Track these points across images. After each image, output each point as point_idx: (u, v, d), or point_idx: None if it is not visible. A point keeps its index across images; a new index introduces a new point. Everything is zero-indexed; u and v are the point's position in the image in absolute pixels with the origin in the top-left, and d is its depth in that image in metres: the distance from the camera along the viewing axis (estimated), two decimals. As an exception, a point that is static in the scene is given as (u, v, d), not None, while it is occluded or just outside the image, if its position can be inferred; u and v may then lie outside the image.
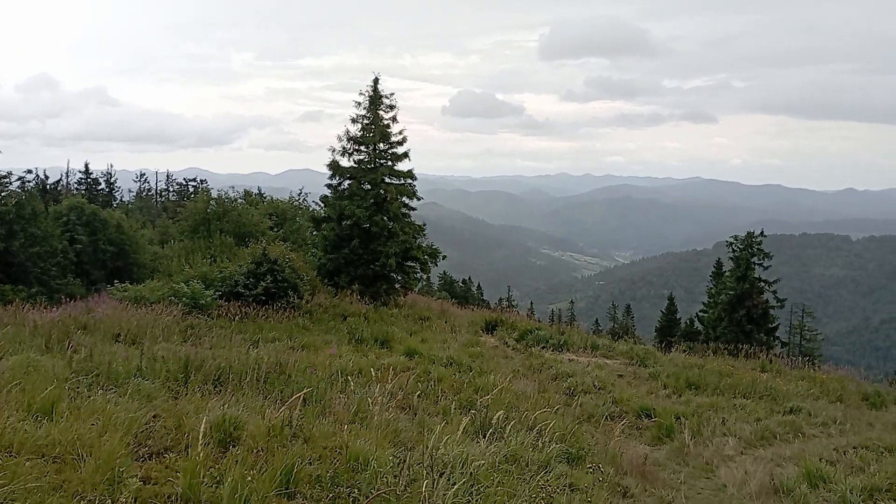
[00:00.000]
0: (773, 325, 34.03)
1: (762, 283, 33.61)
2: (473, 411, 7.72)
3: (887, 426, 11.12)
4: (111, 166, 59.47)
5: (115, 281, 19.72)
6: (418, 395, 9.17)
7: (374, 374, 9.37)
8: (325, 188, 26.08)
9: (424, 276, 33.88)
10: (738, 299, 33.03)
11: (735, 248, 34.18)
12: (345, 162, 25.33)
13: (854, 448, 9.00)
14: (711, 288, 40.75)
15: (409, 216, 26.16)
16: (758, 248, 33.63)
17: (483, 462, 5.31)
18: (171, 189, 65.54)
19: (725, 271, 38.05)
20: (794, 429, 10.43)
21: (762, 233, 34.59)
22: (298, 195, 39.65)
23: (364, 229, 24.78)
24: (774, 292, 34.09)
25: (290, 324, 17.00)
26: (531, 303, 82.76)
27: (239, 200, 31.76)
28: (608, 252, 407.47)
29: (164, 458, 5.19)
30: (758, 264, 33.69)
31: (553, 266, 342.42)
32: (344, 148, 25.14)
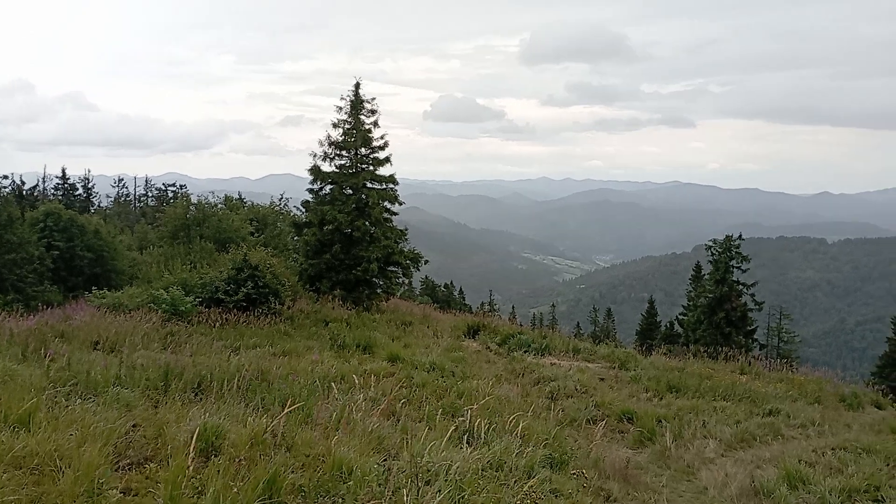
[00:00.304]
0: (752, 327, 34.40)
1: (740, 286, 33.98)
2: (457, 417, 7.71)
3: (864, 427, 11.28)
4: (88, 171, 58.81)
5: (93, 288, 19.48)
6: (401, 401, 9.14)
7: (356, 380, 9.33)
8: (307, 193, 25.99)
9: (406, 281, 33.83)
10: (717, 302, 33.35)
11: (714, 252, 34.52)
12: (326, 167, 25.27)
13: (832, 449, 9.11)
14: (691, 291, 41.12)
15: (391, 221, 26.12)
16: (736, 252, 33.99)
17: (467, 469, 5.31)
18: (149, 194, 64.88)
19: (704, 274, 38.40)
20: (774, 431, 10.54)
21: (740, 236, 34.97)
22: (279, 200, 39.42)
23: (346, 234, 24.70)
24: (752, 295, 34.48)
25: (271, 330, 16.88)
26: (513, 307, 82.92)
27: (219, 206, 31.51)
28: (589, 256, 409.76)
29: (145, 468, 5.13)
30: (736, 267, 34.05)
31: (534, 270, 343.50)
32: (325, 153, 25.07)
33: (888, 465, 8.39)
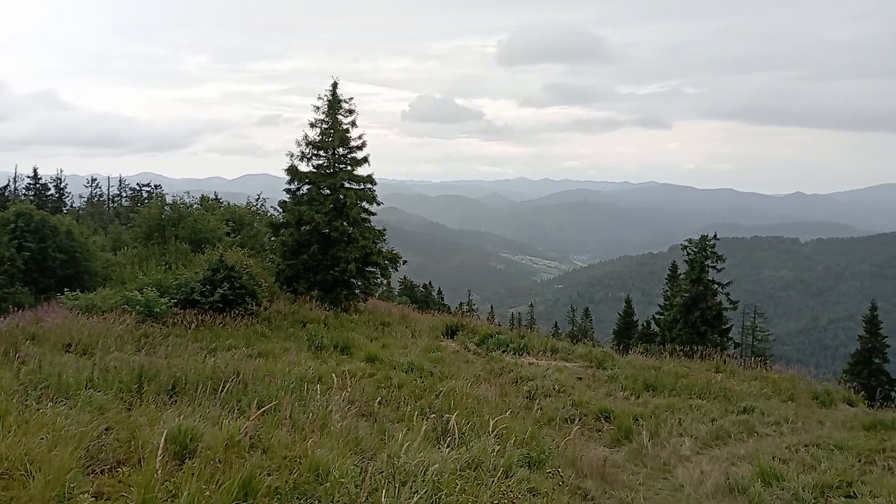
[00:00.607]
0: (727, 326, 34.82)
1: (716, 286, 34.36)
2: (435, 417, 7.70)
3: (837, 424, 11.47)
4: (61, 171, 57.81)
5: (66, 289, 19.17)
6: (379, 402, 9.10)
7: (334, 381, 9.28)
8: (284, 193, 25.82)
9: (385, 282, 33.74)
10: (693, 301, 33.71)
11: (689, 252, 34.87)
12: (303, 167, 25.12)
13: (805, 446, 9.24)
14: (667, 290, 41.58)
15: (369, 221, 26.04)
16: (711, 251, 34.37)
17: (445, 469, 5.29)
18: (123, 195, 64.00)
19: (680, 274, 38.80)
20: (748, 428, 10.67)
21: (715, 236, 35.37)
22: (256, 200, 39.11)
23: (323, 235, 24.57)
24: (727, 294, 34.88)
25: (248, 331, 16.73)
26: (491, 307, 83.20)
27: (195, 206, 31.17)
28: (566, 256, 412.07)
29: (117, 472, 5.05)
30: (711, 267, 34.43)
31: (513, 270, 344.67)
32: (303, 153, 24.93)
33: (860, 461, 8.53)
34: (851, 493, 7.18)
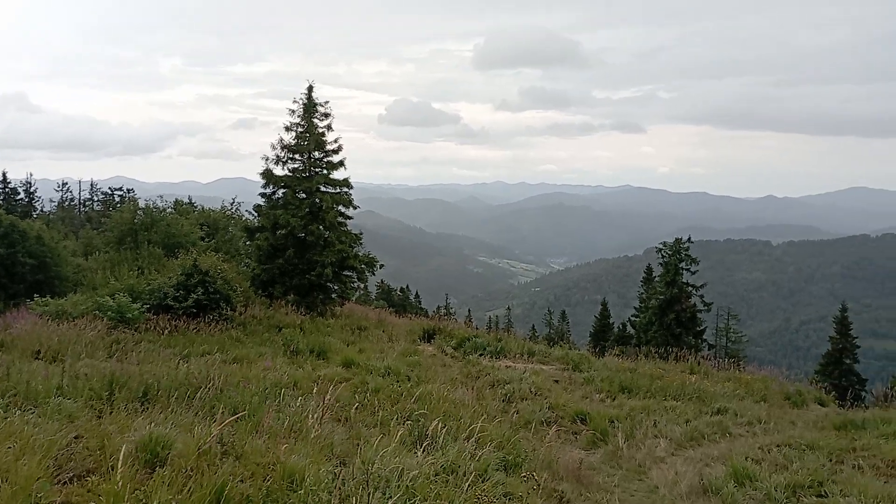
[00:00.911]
0: (701, 328, 35.22)
1: (690, 288, 34.76)
2: (411, 422, 7.67)
3: (808, 424, 11.64)
4: (31, 175, 56.79)
5: (35, 295, 18.81)
6: (355, 407, 9.05)
7: (310, 386, 9.21)
8: (259, 197, 25.62)
9: (362, 286, 33.62)
10: (668, 303, 34.05)
11: (664, 254, 35.23)
12: (279, 170, 24.97)
13: (778, 446, 9.36)
14: (642, 293, 41.96)
15: (346, 225, 25.94)
16: (685, 254, 34.76)
17: (420, 474, 5.27)
18: (95, 199, 63.02)
19: (655, 276, 39.22)
20: (722, 429, 10.78)
21: (689, 239, 35.75)
22: (231, 204, 38.72)
23: (299, 239, 24.43)
24: (701, 296, 35.30)
25: (222, 336, 16.57)
26: (469, 310, 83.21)
27: (168, 210, 30.79)
28: (543, 259, 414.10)
29: (86, 481, 4.96)
30: (685, 269, 34.82)
31: (490, 273, 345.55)
32: (278, 156, 24.78)
33: (831, 460, 8.66)
34: (822, 493, 7.28)
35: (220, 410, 7.27)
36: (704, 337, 35.94)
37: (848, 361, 34.92)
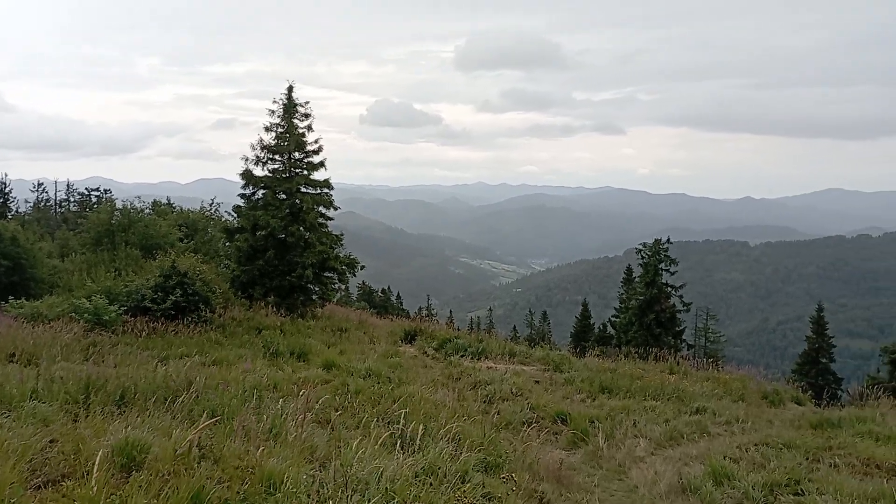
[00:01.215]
0: (680, 328, 35.50)
1: (669, 289, 35.01)
2: (392, 424, 7.65)
3: (785, 423, 11.78)
4: (6, 175, 55.85)
5: (10, 297, 18.52)
6: (336, 409, 9.01)
7: (290, 388, 9.15)
8: (239, 198, 25.40)
9: (342, 287, 33.50)
10: (648, 304, 34.29)
11: (644, 255, 35.45)
12: (259, 171, 24.79)
13: (755, 445, 9.45)
14: (622, 293, 42.18)
15: (327, 226, 25.82)
16: (665, 255, 35.01)
17: (399, 476, 5.26)
18: (71, 199, 62.14)
19: (635, 277, 39.44)
20: (701, 428, 10.88)
21: (668, 240, 36.00)
22: (210, 205, 38.38)
23: (279, 240, 24.27)
24: (681, 297, 35.56)
25: (201, 339, 16.40)
26: (450, 311, 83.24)
27: (146, 211, 30.45)
28: (525, 260, 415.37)
29: (61, 486, 4.88)
30: (665, 270, 35.06)
31: (472, 274, 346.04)
32: (258, 157, 24.61)
33: (807, 459, 8.76)
34: (799, 491, 7.37)
35: (200, 414, 7.20)
36: (684, 337, 36.24)
37: (824, 360, 35.39)
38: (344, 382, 11.51)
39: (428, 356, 17.71)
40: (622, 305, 40.38)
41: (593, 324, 48.82)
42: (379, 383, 11.96)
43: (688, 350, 35.67)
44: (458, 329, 28.94)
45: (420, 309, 64.64)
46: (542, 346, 22.45)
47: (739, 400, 14.03)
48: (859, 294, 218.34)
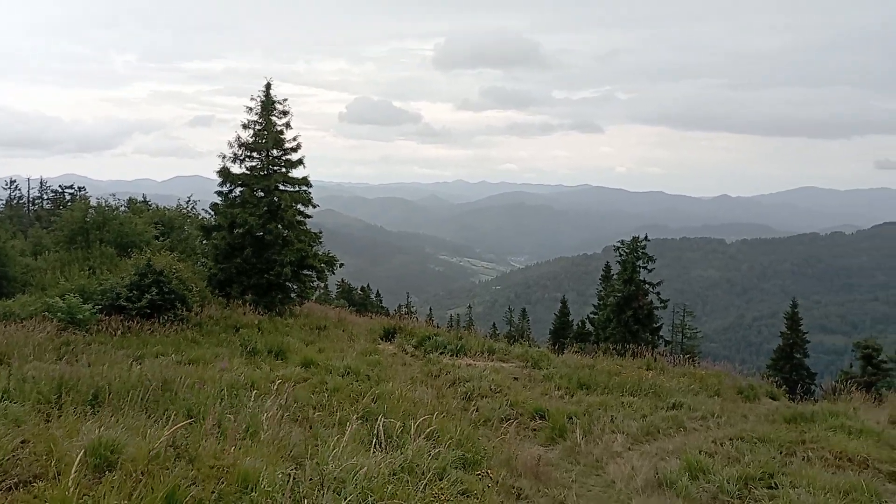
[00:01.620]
0: (658, 324, 35.78)
1: (647, 285, 35.26)
2: (370, 421, 7.63)
3: (760, 418, 11.93)
4: (-22, 173, 54.79)
5: (-19, 296, 18.20)
6: (314, 408, 8.97)
7: (268, 387, 9.09)
8: (216, 196, 25.22)
9: (321, 285, 33.34)
10: (625, 301, 34.52)
11: (622, 252, 35.67)
12: (236, 168, 24.63)
13: (730, 439, 9.56)
14: (601, 290, 42.46)
15: (305, 224, 25.73)
16: (642, 252, 35.25)
17: (377, 473, 5.24)
18: (45, 197, 61.13)
19: (613, 274, 39.70)
20: (677, 423, 10.97)
21: (646, 237, 36.25)
22: (187, 203, 37.98)
23: (257, 238, 24.13)
24: (658, 293, 35.83)
25: (178, 337, 16.26)
26: (430, 309, 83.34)
27: (121, 208, 30.06)
28: (504, 257, 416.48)
29: (33, 486, 4.81)
30: (642, 267, 35.30)
31: (451, 272, 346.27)
32: (235, 154, 24.44)
33: (781, 453, 8.88)
34: (773, 484, 7.46)
35: (176, 413, 7.13)
36: (661, 333, 36.52)
37: (798, 356, 35.87)
38: (322, 380, 11.47)
39: (407, 354, 17.70)
40: (601, 302, 40.64)
41: (572, 321, 49.07)
42: (357, 381, 11.94)
43: (665, 346, 35.96)
44: (438, 326, 28.96)
45: (400, 307, 64.53)
46: (521, 343, 22.52)
47: (715, 395, 14.18)
48: (833, 290, 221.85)
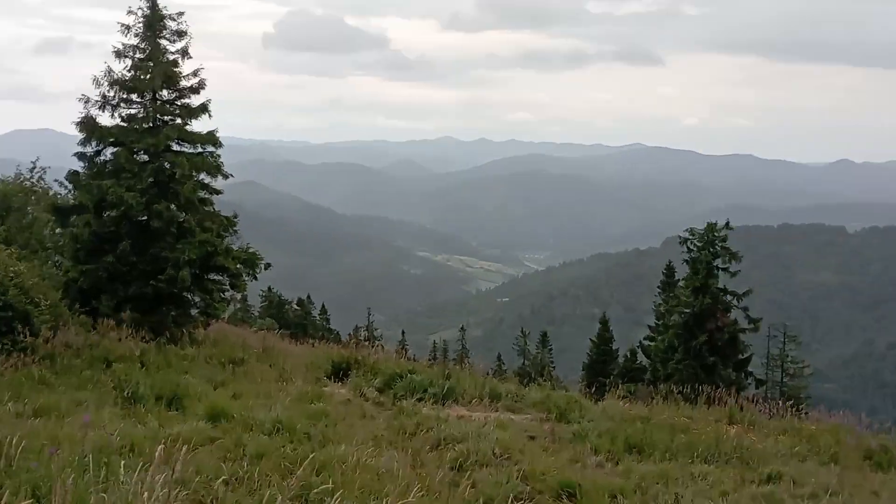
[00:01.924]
0: (745, 355, 35.99)
1: (728, 297, 35.40)
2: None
3: (897, 494, 12.04)
4: None
5: None
6: (226, 483, 8.95)
7: (154, 450, 9.04)
8: (76, 160, 25.14)
9: (238, 296, 33.33)
10: (697, 320, 34.66)
11: (691, 247, 35.76)
12: (106, 119, 24.60)
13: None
14: (660, 304, 42.64)
15: (213, 203, 25.73)
16: (721, 247, 35.36)
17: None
18: None
19: (679, 280, 39.90)
20: (774, 504, 11.06)
21: (727, 224, 36.28)
22: (32, 171, 37.84)
23: (139, 224, 24.11)
24: (745, 309, 35.98)
25: (17, 376, 16.20)
26: (403, 332, 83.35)
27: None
28: (514, 254, 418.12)
29: None
30: (722, 269, 35.45)
31: (435, 276, 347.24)
32: (105, 97, 24.40)
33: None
34: None
35: (13, 492, 7.10)
36: (750, 369, 36.75)
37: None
38: (239, 441, 11.44)
39: (368, 400, 17.73)
40: (659, 323, 40.86)
41: (617, 350, 49.34)
42: (292, 442, 11.93)
43: (756, 388, 36.20)
44: (415, 359, 29.01)
45: (357, 329, 64.59)
46: (540, 385, 22.61)
47: (831, 461, 14.28)
48: None
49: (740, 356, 35.56)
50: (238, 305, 49.94)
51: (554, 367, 57.79)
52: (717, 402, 19.41)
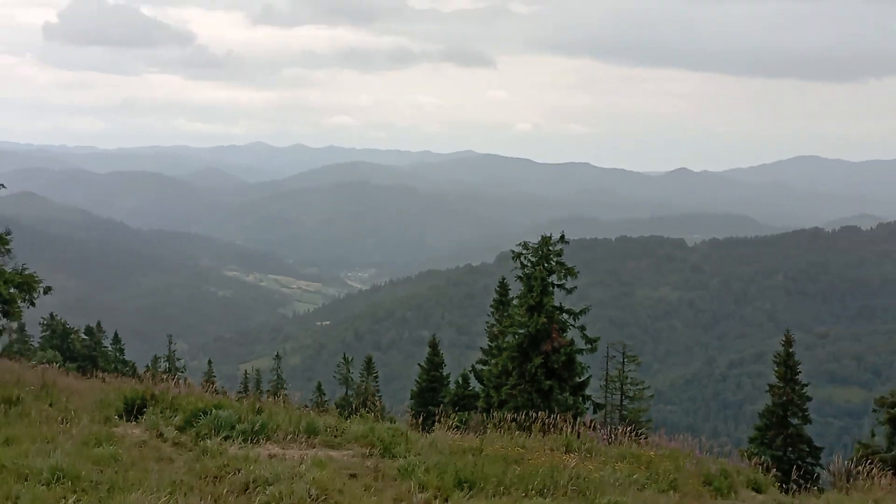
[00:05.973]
0: (583, 378, 36.78)
1: (565, 315, 36.11)
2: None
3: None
4: None
5: None
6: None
7: None
8: None
9: (13, 325, 32.03)
10: (532, 341, 35.23)
11: (525, 262, 36.32)
12: None
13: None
14: (493, 325, 43.27)
15: (-20, 218, 24.66)
16: (557, 262, 36.03)
17: None
18: None
19: (513, 298, 40.56)
20: (612, 538, 11.38)
21: (562, 237, 36.90)
22: None
23: None
24: (582, 328, 36.77)
25: None
26: (210, 362, 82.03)
27: None
28: (336, 273, 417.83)
29: None
30: (558, 286, 36.11)
31: (246, 298, 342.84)
32: None
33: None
34: None
35: None
36: (588, 392, 37.51)
37: (795, 422, 38.05)
38: (9, 494, 10.98)
39: (167, 441, 17.33)
40: (493, 344, 41.41)
41: (448, 376, 49.77)
42: (76, 492, 11.57)
43: (595, 413, 37.11)
44: (223, 392, 28.54)
45: (156, 359, 63.06)
46: (363, 416, 22.58)
47: (670, 489, 14.83)
48: (845, 317, 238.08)
49: (578, 379, 36.23)
50: (14, 336, 47.93)
51: (380, 397, 58.10)
52: (553, 430, 19.83)
